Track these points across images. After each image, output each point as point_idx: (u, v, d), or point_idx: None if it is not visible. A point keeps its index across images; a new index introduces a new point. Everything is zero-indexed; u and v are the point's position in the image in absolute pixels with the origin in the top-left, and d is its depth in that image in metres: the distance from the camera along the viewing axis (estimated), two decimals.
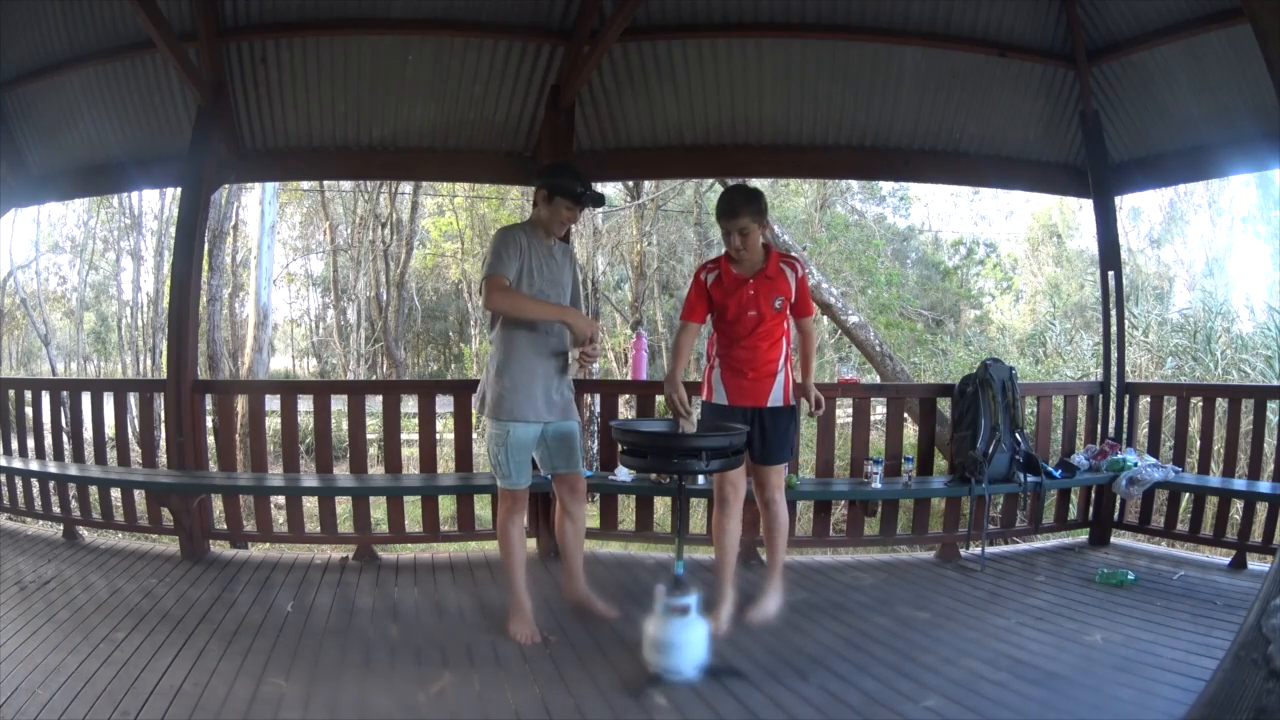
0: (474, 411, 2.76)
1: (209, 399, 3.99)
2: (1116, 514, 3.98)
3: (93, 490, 3.98)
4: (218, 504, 4.26)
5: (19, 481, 4.18)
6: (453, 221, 15.02)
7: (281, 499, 4.22)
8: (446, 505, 4.43)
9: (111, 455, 4.11)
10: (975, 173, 4.51)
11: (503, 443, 2.64)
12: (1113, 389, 4.06)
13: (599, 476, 3.74)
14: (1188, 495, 4.07)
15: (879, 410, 5.39)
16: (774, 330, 2.79)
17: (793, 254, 3.57)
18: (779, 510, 2.90)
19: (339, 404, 4.83)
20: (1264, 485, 3.58)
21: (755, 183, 6.01)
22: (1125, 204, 11.96)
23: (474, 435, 4.01)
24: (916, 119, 4.21)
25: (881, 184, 13.88)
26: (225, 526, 4.00)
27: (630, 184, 11.53)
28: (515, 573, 2.74)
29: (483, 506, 4.44)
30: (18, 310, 12.01)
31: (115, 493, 3.97)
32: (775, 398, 2.81)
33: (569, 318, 2.63)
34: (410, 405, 4.12)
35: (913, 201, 15.34)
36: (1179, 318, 9.07)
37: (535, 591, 2.83)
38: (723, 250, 2.81)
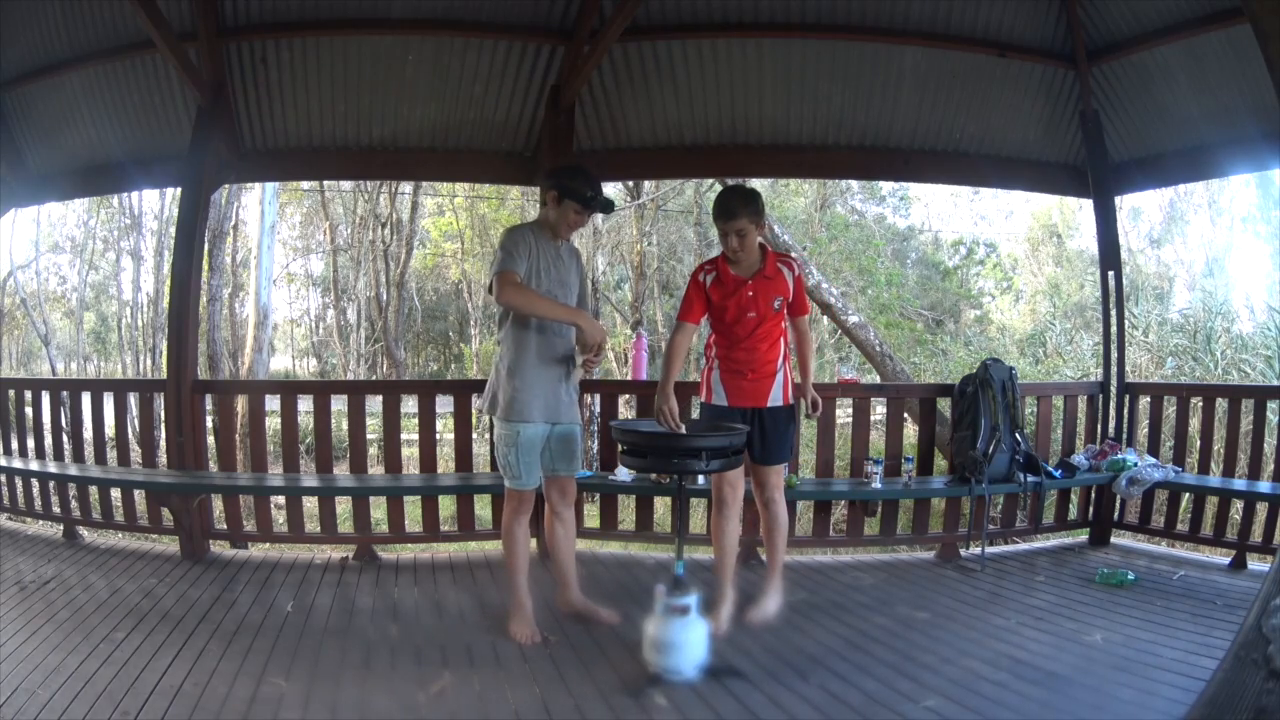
0: (482, 412, 2.73)
1: (209, 399, 3.99)
2: (1116, 514, 3.98)
3: (93, 490, 3.98)
4: (218, 504, 4.26)
5: (19, 481, 4.18)
6: (453, 221, 15.02)
7: (281, 499, 4.21)
8: (446, 505, 4.43)
9: (111, 455, 4.11)
10: (975, 173, 4.51)
11: (513, 443, 2.63)
12: (1113, 389, 4.06)
13: (599, 476, 3.74)
14: (1188, 495, 4.07)
15: (879, 410, 5.40)
16: (773, 331, 2.79)
17: (791, 254, 3.56)
18: (779, 510, 2.90)
19: (339, 404, 4.83)
20: (1264, 485, 3.58)
21: (754, 183, 6.02)
22: (1125, 204, 11.97)
23: (474, 435, 4.00)
24: (916, 119, 4.21)
25: (881, 184, 13.89)
26: (225, 526, 3.99)
27: (630, 184, 11.52)
28: (518, 573, 2.73)
29: (483, 506, 4.44)
30: (18, 310, 12.01)
31: (115, 493, 3.96)
32: (775, 397, 2.81)
33: (581, 320, 2.60)
34: (410, 405, 4.12)
35: (913, 201, 15.35)
36: (1179, 318, 9.07)
37: (535, 591, 2.83)
38: (722, 250, 2.80)
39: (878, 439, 6.26)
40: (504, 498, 2.75)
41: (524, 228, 2.68)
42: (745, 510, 2.91)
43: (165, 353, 5.33)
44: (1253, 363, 7.44)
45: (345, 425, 4.00)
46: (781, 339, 2.84)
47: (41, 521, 4.22)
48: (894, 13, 3.87)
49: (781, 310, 2.79)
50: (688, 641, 2.35)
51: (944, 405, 4.25)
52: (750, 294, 2.73)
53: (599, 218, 12.38)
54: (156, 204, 12.30)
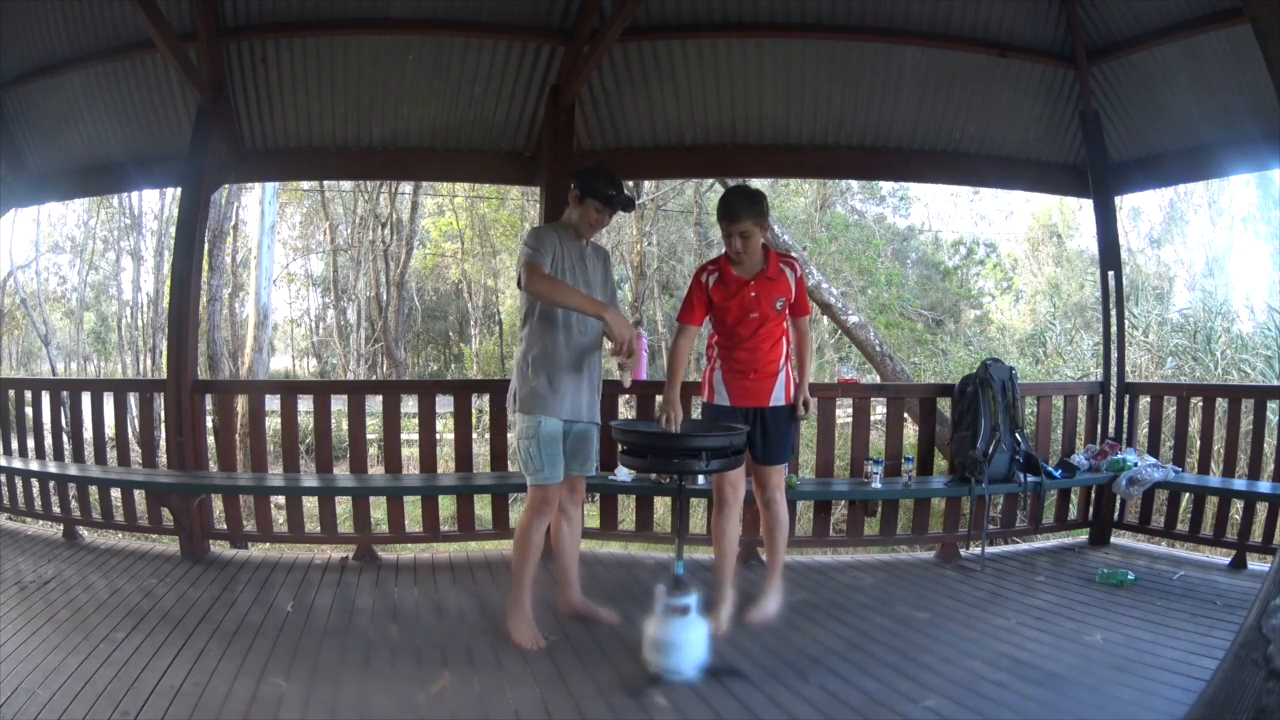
0: (508, 412, 2.72)
1: (209, 399, 3.98)
2: (1116, 514, 3.98)
3: (93, 490, 3.98)
4: (218, 504, 4.26)
5: (19, 481, 4.18)
6: (453, 221, 15.03)
7: (281, 499, 4.22)
8: (446, 505, 4.42)
9: (111, 455, 4.11)
10: (975, 173, 4.51)
11: (533, 435, 2.61)
12: (1113, 389, 4.06)
13: (599, 476, 3.74)
14: (1188, 495, 4.07)
15: (879, 410, 5.40)
16: (775, 331, 2.79)
17: (792, 254, 3.56)
18: (779, 510, 2.90)
19: (339, 404, 4.83)
20: (1264, 485, 3.58)
21: (755, 183, 6.01)
22: (1125, 204, 11.97)
23: (474, 435, 4.00)
24: (916, 119, 4.21)
25: (881, 184, 13.88)
26: (225, 526, 4.00)
27: (630, 184, 11.53)
28: (525, 575, 2.71)
29: (483, 506, 4.44)
30: (18, 310, 12.01)
31: (115, 493, 3.96)
32: (777, 397, 2.81)
33: (606, 315, 2.53)
34: (410, 405, 4.12)
35: (913, 201, 15.34)
36: (1179, 318, 9.06)
37: (535, 591, 2.82)
38: (723, 250, 2.80)
39: (878, 439, 6.26)
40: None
41: (548, 228, 2.70)
42: (745, 510, 2.91)
43: (165, 353, 5.33)
44: (1253, 363, 7.44)
45: (345, 425, 4.00)
46: (783, 339, 2.84)
47: (41, 521, 4.22)
48: (894, 13, 3.87)
49: (784, 311, 2.79)
50: (688, 641, 2.35)
51: (944, 405, 4.25)
52: (753, 294, 2.73)
53: None
54: (156, 204, 12.32)
